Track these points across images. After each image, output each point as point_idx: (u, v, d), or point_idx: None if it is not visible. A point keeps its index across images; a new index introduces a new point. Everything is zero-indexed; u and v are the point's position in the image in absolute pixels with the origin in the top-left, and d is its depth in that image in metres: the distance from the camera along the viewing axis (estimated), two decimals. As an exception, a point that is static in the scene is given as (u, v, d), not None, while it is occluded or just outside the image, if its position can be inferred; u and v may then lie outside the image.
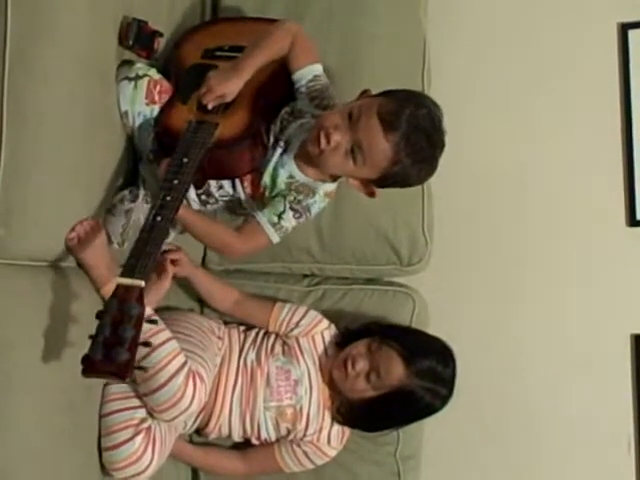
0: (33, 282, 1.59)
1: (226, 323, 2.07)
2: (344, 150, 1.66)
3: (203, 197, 1.84)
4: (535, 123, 2.34)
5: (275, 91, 1.83)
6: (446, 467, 2.31)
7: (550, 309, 2.30)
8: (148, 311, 1.42)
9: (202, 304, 2.13)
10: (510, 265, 2.33)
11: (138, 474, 1.67)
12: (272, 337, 2.02)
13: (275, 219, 1.76)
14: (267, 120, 1.81)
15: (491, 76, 2.36)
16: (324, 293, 2.17)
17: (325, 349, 2.01)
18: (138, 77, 1.76)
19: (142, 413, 1.69)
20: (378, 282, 2.19)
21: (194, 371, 1.68)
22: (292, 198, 1.77)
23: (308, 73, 1.82)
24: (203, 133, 1.64)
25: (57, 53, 1.58)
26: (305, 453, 1.97)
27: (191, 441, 2.06)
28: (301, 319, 2.02)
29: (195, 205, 1.85)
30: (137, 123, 1.78)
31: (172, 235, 1.96)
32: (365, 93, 1.74)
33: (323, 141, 1.65)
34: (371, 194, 1.76)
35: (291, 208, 1.77)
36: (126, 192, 1.80)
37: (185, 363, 1.66)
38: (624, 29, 2.28)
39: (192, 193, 1.83)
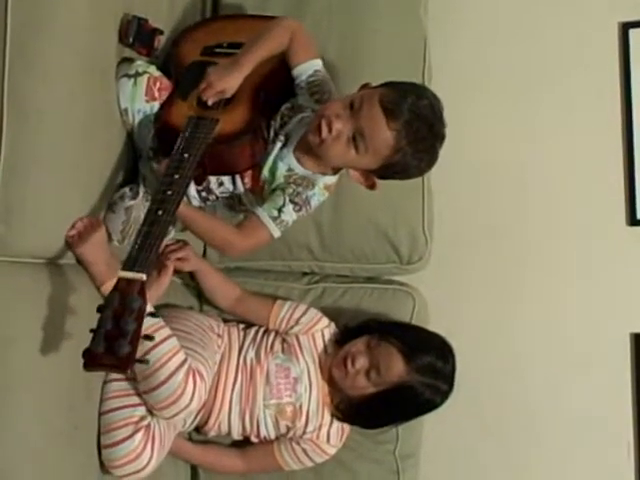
0: (33, 279, 1.59)
1: (225, 321, 2.07)
2: (346, 138, 1.65)
3: (203, 194, 1.84)
4: (535, 121, 2.34)
5: (275, 87, 1.83)
6: (445, 466, 2.31)
7: (550, 307, 2.30)
8: (148, 308, 1.41)
9: (201, 302, 2.13)
10: (510, 263, 2.33)
11: (137, 472, 1.67)
12: (272, 335, 2.02)
13: (275, 213, 1.75)
14: (267, 116, 1.81)
15: (491, 73, 2.36)
16: (324, 291, 2.17)
17: (325, 347, 2.01)
18: (138, 74, 1.76)
19: (142, 411, 1.69)
20: (378, 280, 2.19)
21: (194, 369, 1.68)
22: (291, 191, 1.77)
23: (308, 68, 1.82)
24: (203, 129, 1.64)
25: (57, 51, 1.58)
26: (304, 451, 1.97)
27: (190, 439, 2.06)
28: (301, 317, 2.02)
29: (195, 202, 1.85)
30: (137, 120, 1.78)
31: (172, 233, 1.96)
32: (365, 86, 1.74)
33: (325, 130, 1.64)
34: (372, 186, 1.76)
35: (291, 201, 1.76)
36: (126, 189, 1.79)
37: (185, 361, 1.66)
38: (625, 28, 2.28)
39: (192, 190, 1.83)
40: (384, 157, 1.66)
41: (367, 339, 1.93)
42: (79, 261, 1.69)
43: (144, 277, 1.30)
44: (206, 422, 1.94)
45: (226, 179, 1.82)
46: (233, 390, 1.93)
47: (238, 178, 1.81)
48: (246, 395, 1.93)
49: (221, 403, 1.92)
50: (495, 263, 2.34)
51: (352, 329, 2.03)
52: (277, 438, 1.98)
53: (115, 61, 1.78)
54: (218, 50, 1.88)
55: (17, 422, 1.50)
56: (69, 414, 1.62)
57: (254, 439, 1.99)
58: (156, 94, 1.78)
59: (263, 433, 1.96)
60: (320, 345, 2.01)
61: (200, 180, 1.76)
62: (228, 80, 1.72)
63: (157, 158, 1.78)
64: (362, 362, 1.90)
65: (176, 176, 1.51)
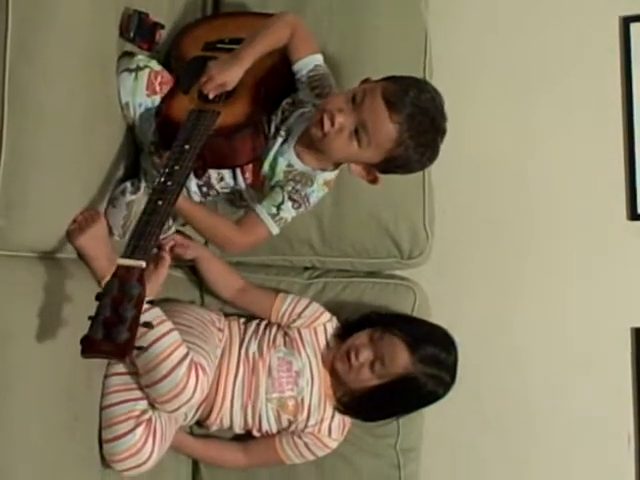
0: (33, 273, 1.59)
1: (226, 315, 2.07)
2: (348, 132, 1.65)
3: (204, 189, 1.84)
4: (536, 116, 2.34)
5: (276, 82, 1.83)
6: (446, 459, 2.32)
7: (550, 302, 2.30)
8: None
9: (203, 296, 2.13)
10: (511, 258, 2.33)
11: (139, 466, 1.67)
12: (274, 328, 2.02)
13: (274, 210, 1.76)
14: (268, 111, 1.81)
15: (492, 68, 2.36)
16: (325, 286, 2.17)
17: (327, 341, 2.02)
18: (139, 68, 1.76)
19: (143, 405, 1.69)
20: (379, 275, 2.19)
21: (196, 362, 1.68)
22: (290, 188, 1.77)
23: (309, 63, 1.82)
24: (205, 121, 1.64)
25: (58, 45, 1.58)
26: (306, 444, 1.97)
27: (192, 433, 2.06)
28: (303, 310, 2.02)
29: (196, 197, 1.85)
30: (138, 114, 1.78)
31: (172, 229, 1.96)
32: (366, 81, 1.74)
33: (327, 123, 1.64)
34: (373, 180, 1.76)
35: (290, 198, 1.76)
36: (128, 184, 1.79)
37: (187, 354, 1.67)
38: (626, 22, 2.28)
39: (193, 185, 1.83)
40: (386, 150, 1.66)
41: (370, 332, 1.94)
42: (80, 255, 1.69)
43: (143, 264, 1.29)
44: (208, 416, 1.94)
45: (227, 174, 1.82)
46: (235, 384, 1.93)
47: (239, 173, 1.81)
48: (248, 389, 1.94)
49: (223, 397, 1.92)
50: (496, 258, 2.35)
51: (354, 323, 2.03)
52: (279, 432, 1.98)
53: (116, 55, 1.78)
54: (220, 45, 1.89)
55: (17, 416, 1.50)
56: (69, 405, 1.61)
57: (256, 433, 1.99)
58: (157, 88, 1.78)
59: (265, 427, 1.96)
60: (322, 339, 2.02)
61: (200, 173, 1.75)
62: (229, 73, 1.72)
63: (158, 152, 1.78)
64: (366, 355, 1.91)
65: (176, 167, 1.52)
